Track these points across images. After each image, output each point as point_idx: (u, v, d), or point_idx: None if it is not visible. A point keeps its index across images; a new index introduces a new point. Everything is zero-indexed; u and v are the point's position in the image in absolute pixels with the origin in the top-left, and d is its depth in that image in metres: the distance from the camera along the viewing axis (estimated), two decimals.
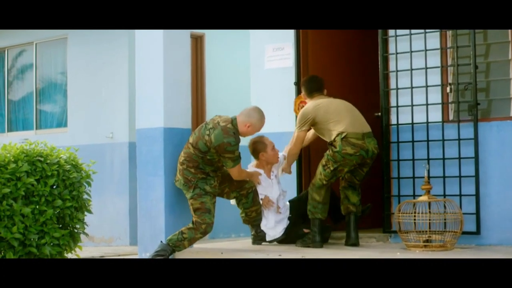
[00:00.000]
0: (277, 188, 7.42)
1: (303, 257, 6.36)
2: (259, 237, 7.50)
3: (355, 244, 7.10)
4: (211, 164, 6.90)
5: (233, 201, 7.49)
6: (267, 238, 7.46)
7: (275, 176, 7.49)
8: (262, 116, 6.93)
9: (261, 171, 7.42)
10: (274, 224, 7.41)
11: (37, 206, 6.61)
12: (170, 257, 6.81)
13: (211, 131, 6.77)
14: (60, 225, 6.83)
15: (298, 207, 7.40)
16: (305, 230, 7.30)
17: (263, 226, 7.43)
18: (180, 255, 6.92)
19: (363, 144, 6.92)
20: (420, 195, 6.80)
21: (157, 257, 6.72)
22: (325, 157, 7.07)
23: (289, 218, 7.47)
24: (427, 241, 6.59)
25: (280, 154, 7.52)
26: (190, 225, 6.83)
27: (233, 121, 6.84)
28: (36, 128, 11.56)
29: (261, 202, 7.33)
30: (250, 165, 7.52)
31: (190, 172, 6.87)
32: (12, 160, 6.57)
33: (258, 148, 7.37)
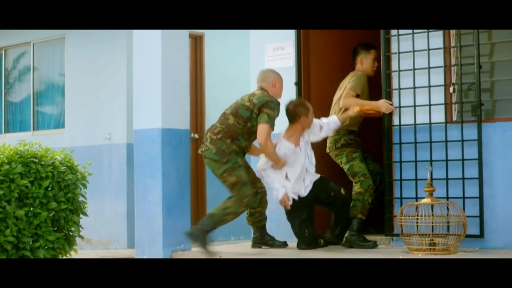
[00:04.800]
0: (303, 156, 7.13)
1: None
2: (261, 240, 7.38)
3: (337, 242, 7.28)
4: (248, 137, 6.94)
5: None
6: (292, 195, 7.09)
7: (306, 142, 7.25)
8: (273, 70, 7.30)
9: (291, 145, 7.09)
10: (294, 181, 7.13)
11: (31, 209, 6.52)
12: (208, 234, 6.67)
13: (252, 97, 6.96)
14: (55, 228, 6.73)
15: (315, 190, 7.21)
16: (321, 241, 7.25)
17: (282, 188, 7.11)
18: (178, 257, 6.83)
19: None
20: (423, 198, 6.69)
21: (199, 231, 6.62)
22: None
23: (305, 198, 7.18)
24: (430, 244, 6.48)
25: (323, 120, 7.34)
26: (234, 197, 6.74)
27: (263, 89, 7.06)
28: (34, 129, 11.45)
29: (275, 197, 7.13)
30: (282, 135, 7.19)
31: (224, 143, 6.85)
32: (6, 161, 6.47)
33: (300, 112, 7.16)
